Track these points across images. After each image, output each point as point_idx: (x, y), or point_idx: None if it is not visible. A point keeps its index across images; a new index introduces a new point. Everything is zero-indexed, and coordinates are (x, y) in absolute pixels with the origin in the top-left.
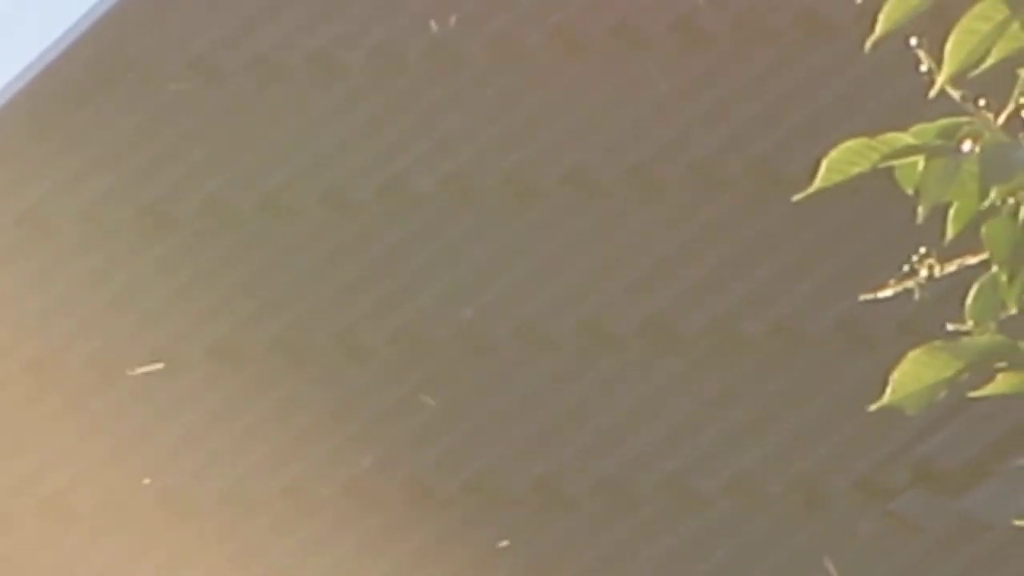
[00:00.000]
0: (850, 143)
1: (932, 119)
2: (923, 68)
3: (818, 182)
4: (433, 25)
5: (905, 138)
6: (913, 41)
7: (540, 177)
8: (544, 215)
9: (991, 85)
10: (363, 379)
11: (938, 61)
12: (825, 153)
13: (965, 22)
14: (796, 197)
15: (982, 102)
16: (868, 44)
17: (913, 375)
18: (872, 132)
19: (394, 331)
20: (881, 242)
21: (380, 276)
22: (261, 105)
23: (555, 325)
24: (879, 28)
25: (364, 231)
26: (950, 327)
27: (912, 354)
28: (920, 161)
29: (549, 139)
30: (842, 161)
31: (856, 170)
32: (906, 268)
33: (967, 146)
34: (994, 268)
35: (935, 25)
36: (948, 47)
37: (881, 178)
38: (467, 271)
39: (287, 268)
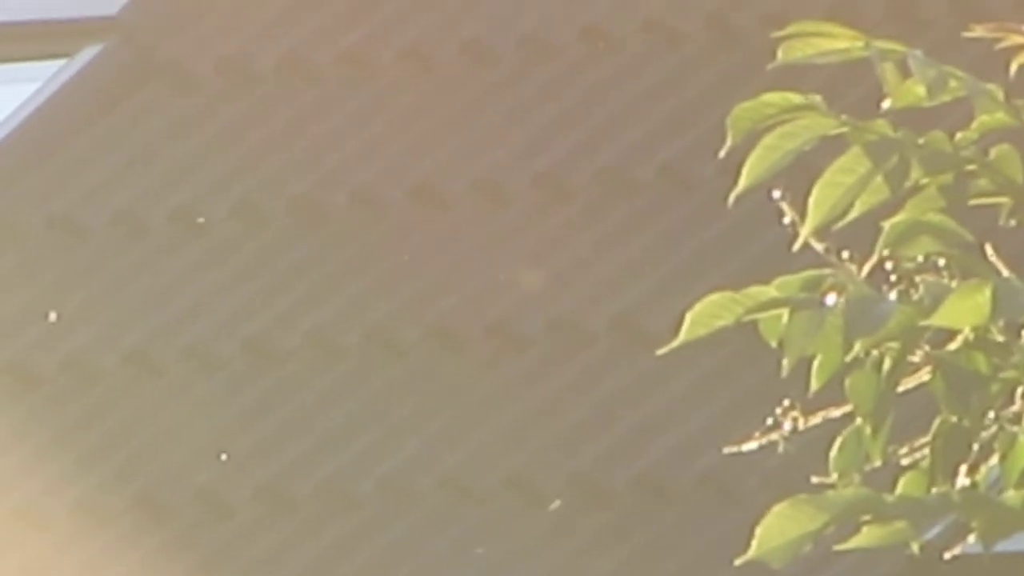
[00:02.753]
0: (714, 296)
1: (796, 271)
2: (786, 221)
3: (682, 336)
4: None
5: (769, 291)
6: (776, 194)
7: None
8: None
9: (855, 237)
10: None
11: (801, 213)
12: (689, 307)
13: (828, 175)
14: (660, 351)
15: (845, 254)
16: (731, 198)
17: (778, 529)
18: (736, 285)
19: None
20: (746, 395)
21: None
22: (123, 262)
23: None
24: (742, 182)
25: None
26: (815, 480)
27: (777, 508)
28: (784, 314)
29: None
30: (706, 315)
31: (720, 323)
32: (770, 421)
33: (831, 299)
34: (858, 421)
35: (798, 177)
36: (811, 200)
37: (746, 331)
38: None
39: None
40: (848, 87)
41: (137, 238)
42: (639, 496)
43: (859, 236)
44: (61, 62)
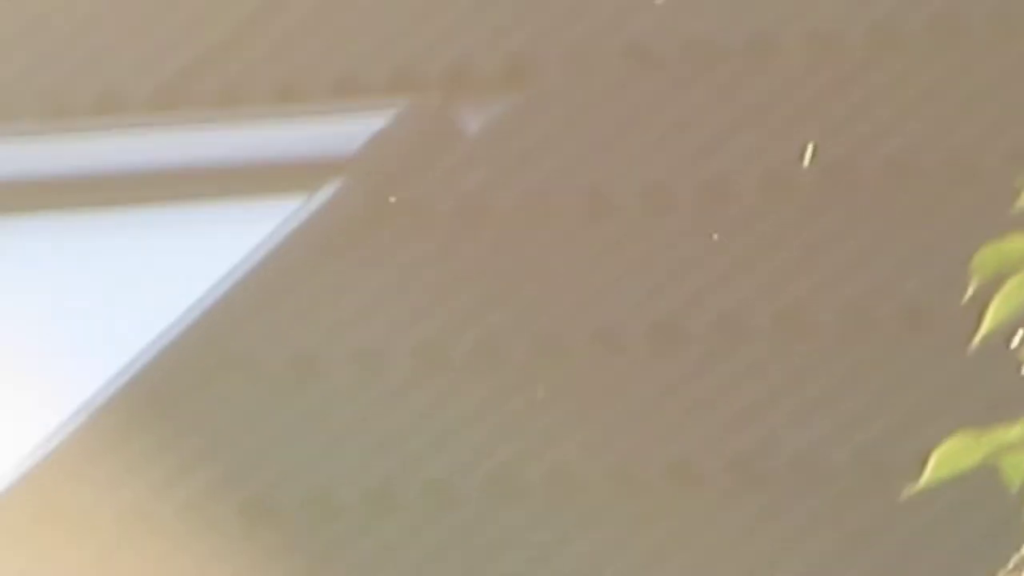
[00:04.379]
0: (958, 438)
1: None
2: None
3: (927, 477)
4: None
5: (1013, 433)
6: (1016, 340)
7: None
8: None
9: None
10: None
11: None
12: (928, 446)
13: None
14: (905, 493)
15: None
16: (975, 341)
17: None
18: (973, 426)
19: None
20: (982, 535)
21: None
22: (362, 400)
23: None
24: (986, 325)
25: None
26: None
27: None
28: None
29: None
30: (951, 455)
31: (964, 465)
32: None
33: None
34: None
35: None
36: None
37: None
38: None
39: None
40: None
41: (377, 375)
42: None
43: None
44: (299, 200)
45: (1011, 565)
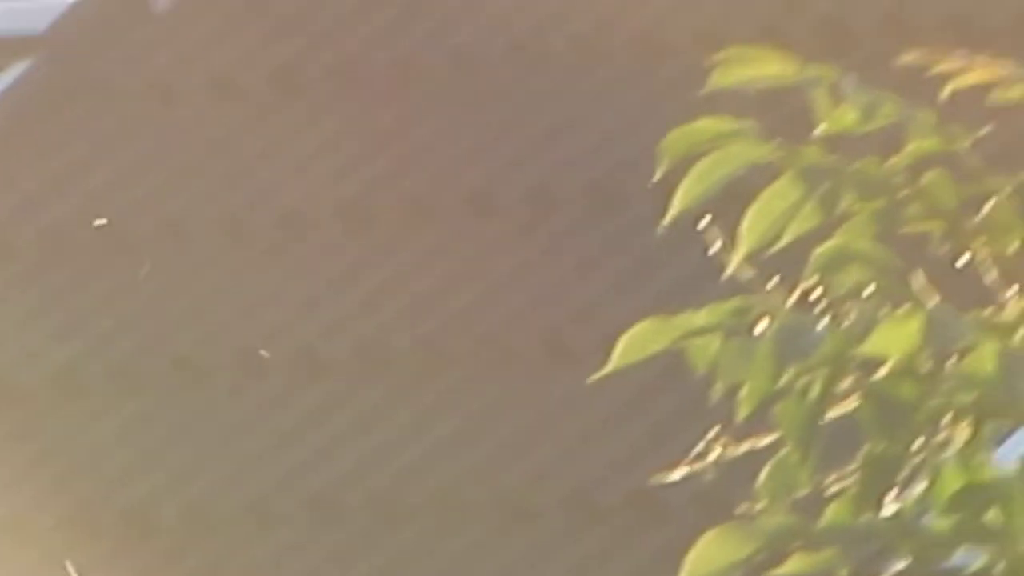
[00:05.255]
0: (646, 323)
1: (713, 298)
2: (713, 248)
3: (614, 362)
4: None
5: (699, 318)
6: (704, 221)
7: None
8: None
9: (781, 263)
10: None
11: (729, 240)
12: (613, 328)
13: (761, 201)
14: (592, 377)
15: (773, 281)
16: (664, 222)
17: (708, 557)
18: (656, 309)
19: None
20: (673, 414)
21: None
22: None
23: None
24: (675, 206)
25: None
26: (743, 505)
27: (706, 536)
28: (712, 341)
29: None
30: (639, 341)
31: (652, 349)
32: (697, 450)
33: (761, 326)
34: (785, 448)
35: (720, 202)
36: (744, 226)
37: (666, 353)
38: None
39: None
40: (780, 102)
41: (65, 256)
42: (569, 515)
43: (786, 262)
44: None
45: (697, 449)
